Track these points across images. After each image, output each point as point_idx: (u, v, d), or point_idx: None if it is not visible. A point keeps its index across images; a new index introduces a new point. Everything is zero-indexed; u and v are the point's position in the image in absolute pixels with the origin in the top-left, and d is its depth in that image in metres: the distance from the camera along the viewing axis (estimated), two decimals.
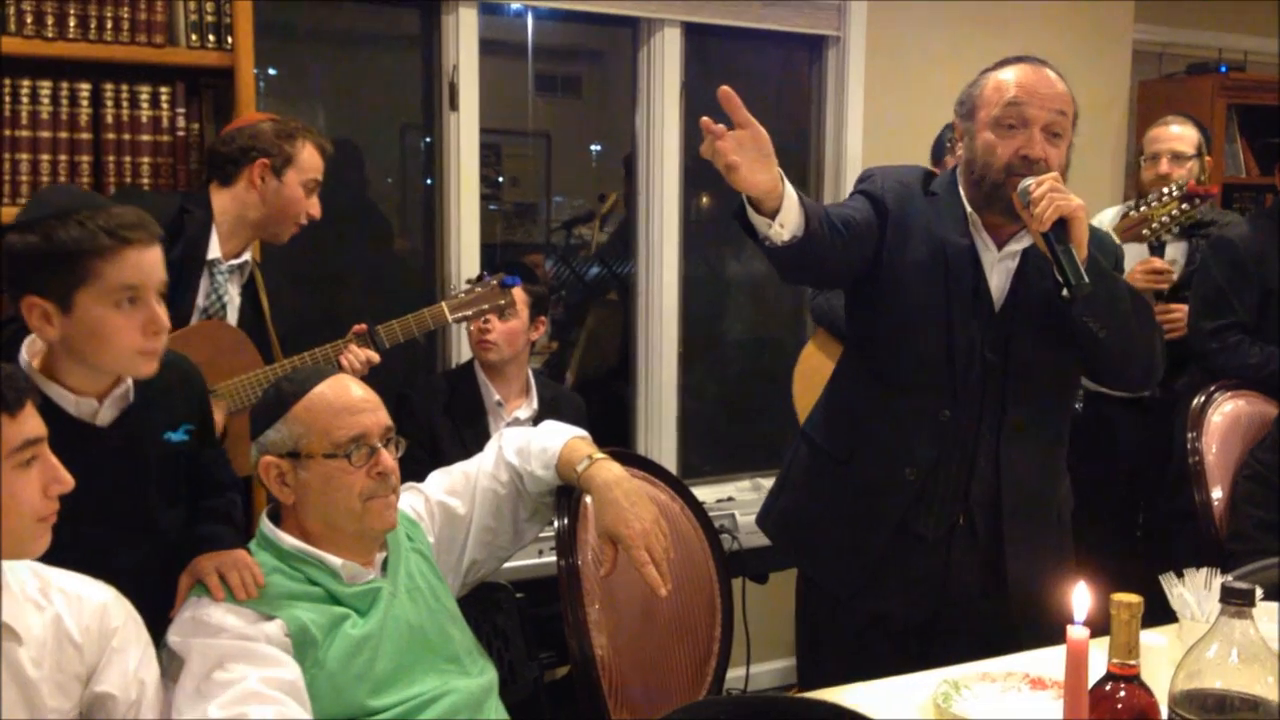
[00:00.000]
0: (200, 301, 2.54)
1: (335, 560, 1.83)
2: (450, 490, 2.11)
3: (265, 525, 1.89)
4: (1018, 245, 2.21)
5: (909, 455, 2.21)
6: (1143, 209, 3.23)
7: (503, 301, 2.80)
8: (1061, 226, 2.02)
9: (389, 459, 1.86)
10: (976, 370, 2.20)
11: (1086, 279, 2.01)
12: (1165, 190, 3.20)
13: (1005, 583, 2.25)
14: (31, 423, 1.47)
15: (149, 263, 1.80)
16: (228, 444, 2.27)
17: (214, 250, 2.56)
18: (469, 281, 2.86)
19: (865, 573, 2.26)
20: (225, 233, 2.58)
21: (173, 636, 1.72)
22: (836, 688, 1.90)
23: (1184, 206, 3.17)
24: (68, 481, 1.50)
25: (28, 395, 1.46)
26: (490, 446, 2.17)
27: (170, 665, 1.70)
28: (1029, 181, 2.08)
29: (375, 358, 2.59)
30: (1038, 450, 2.29)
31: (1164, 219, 3.16)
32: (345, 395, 1.86)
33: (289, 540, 1.85)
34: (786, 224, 1.94)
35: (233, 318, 2.61)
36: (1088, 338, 2.13)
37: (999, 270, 2.22)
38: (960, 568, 2.26)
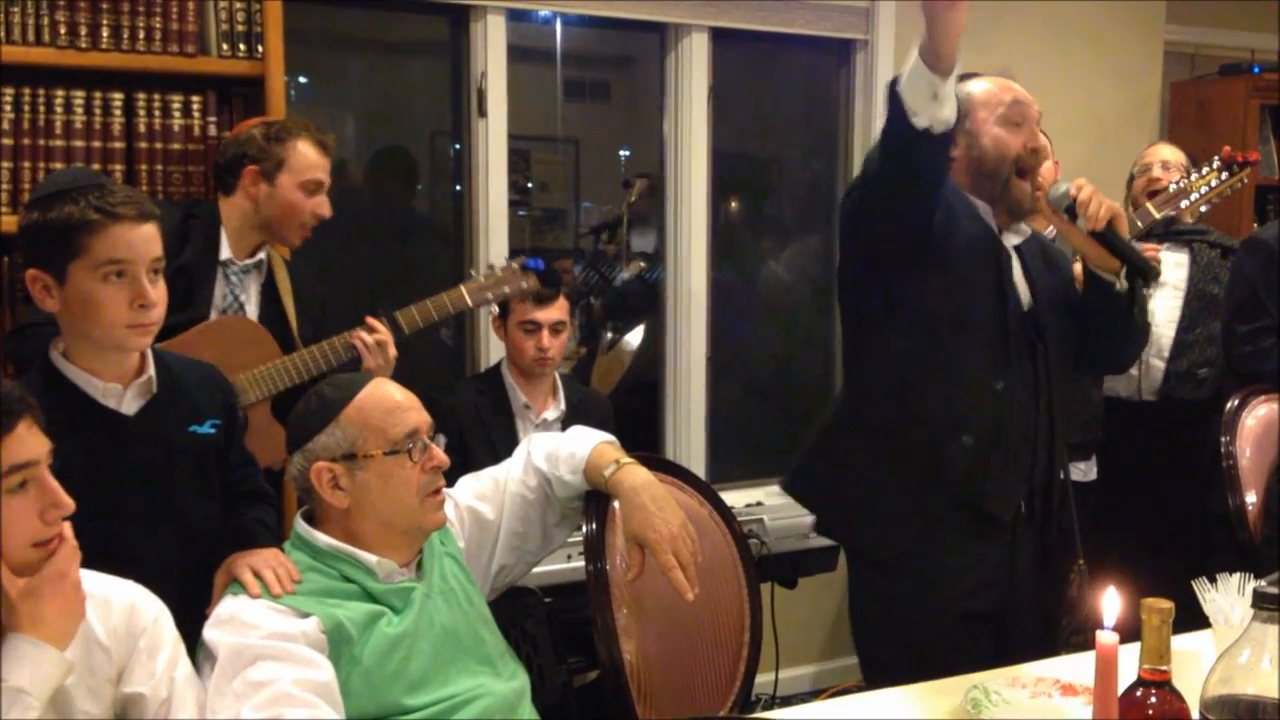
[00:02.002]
0: (217, 302, 2.55)
1: (371, 558, 1.84)
2: (480, 495, 2.12)
3: (300, 526, 1.90)
4: (1016, 239, 2.37)
5: (965, 422, 2.26)
6: (1182, 183, 3.22)
7: (525, 284, 2.77)
8: (1109, 224, 2.24)
9: (441, 453, 1.89)
10: (1024, 348, 2.31)
11: (1154, 266, 2.28)
12: (1208, 165, 3.20)
13: (1065, 572, 2.38)
14: (25, 446, 1.42)
15: (137, 239, 1.86)
16: (249, 435, 2.29)
17: (225, 252, 2.56)
18: (490, 265, 2.84)
19: (918, 543, 2.29)
20: (234, 238, 2.58)
21: (208, 632, 1.73)
22: (857, 694, 1.90)
23: (1224, 176, 3.16)
24: (67, 505, 1.47)
25: (20, 417, 1.42)
26: (519, 452, 2.17)
27: (204, 662, 1.71)
28: (1064, 187, 2.28)
29: (387, 336, 2.57)
30: (1067, 441, 2.45)
31: (1203, 190, 3.15)
32: (392, 395, 1.89)
33: (324, 539, 1.86)
34: (945, 102, 1.98)
35: (252, 316, 2.62)
36: (1114, 320, 2.35)
37: (1012, 260, 2.36)
38: (1023, 557, 2.34)
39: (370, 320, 2.58)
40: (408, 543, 1.90)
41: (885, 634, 2.36)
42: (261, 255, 2.63)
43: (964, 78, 2.32)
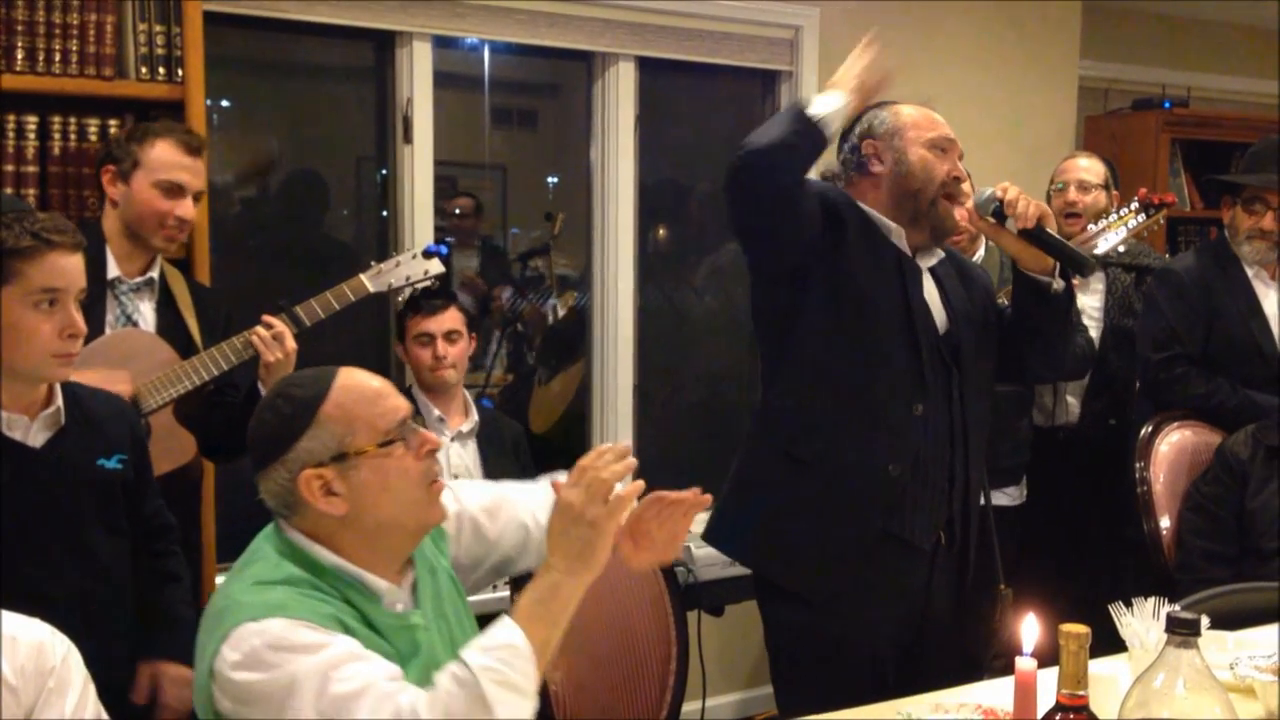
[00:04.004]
0: (110, 320, 2.50)
1: (380, 583, 1.63)
2: (486, 508, 1.89)
3: (297, 538, 1.63)
4: (930, 260, 2.37)
5: (890, 451, 2.24)
6: (1101, 223, 3.29)
7: (429, 268, 2.73)
8: (1038, 221, 2.27)
9: (432, 435, 1.68)
10: (940, 377, 2.29)
11: (1089, 258, 2.32)
12: (1126, 206, 3.28)
13: (979, 601, 2.35)
14: None
15: (70, 268, 1.85)
16: (153, 441, 2.24)
17: (113, 269, 2.50)
18: (391, 253, 2.77)
19: (845, 577, 2.25)
20: (119, 252, 2.51)
21: (245, 674, 1.49)
22: None
23: (1141, 218, 3.24)
24: None
25: None
26: (542, 487, 1.93)
27: (243, 704, 1.50)
28: (989, 191, 2.30)
29: (284, 329, 2.51)
30: (983, 463, 2.42)
31: (1121, 231, 3.23)
32: (368, 383, 1.67)
33: (328, 556, 1.61)
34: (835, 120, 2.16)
35: None
36: (1052, 323, 2.37)
37: (925, 283, 2.35)
38: (940, 586, 2.32)
39: (266, 317, 2.53)
40: (403, 546, 1.68)
41: (804, 669, 2.32)
42: (153, 273, 2.57)
43: (887, 103, 2.37)
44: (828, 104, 2.15)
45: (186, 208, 2.52)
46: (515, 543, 1.90)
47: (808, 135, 2.13)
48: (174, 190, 2.50)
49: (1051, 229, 2.29)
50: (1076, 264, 2.32)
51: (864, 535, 2.25)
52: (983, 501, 2.44)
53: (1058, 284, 2.33)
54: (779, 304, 2.32)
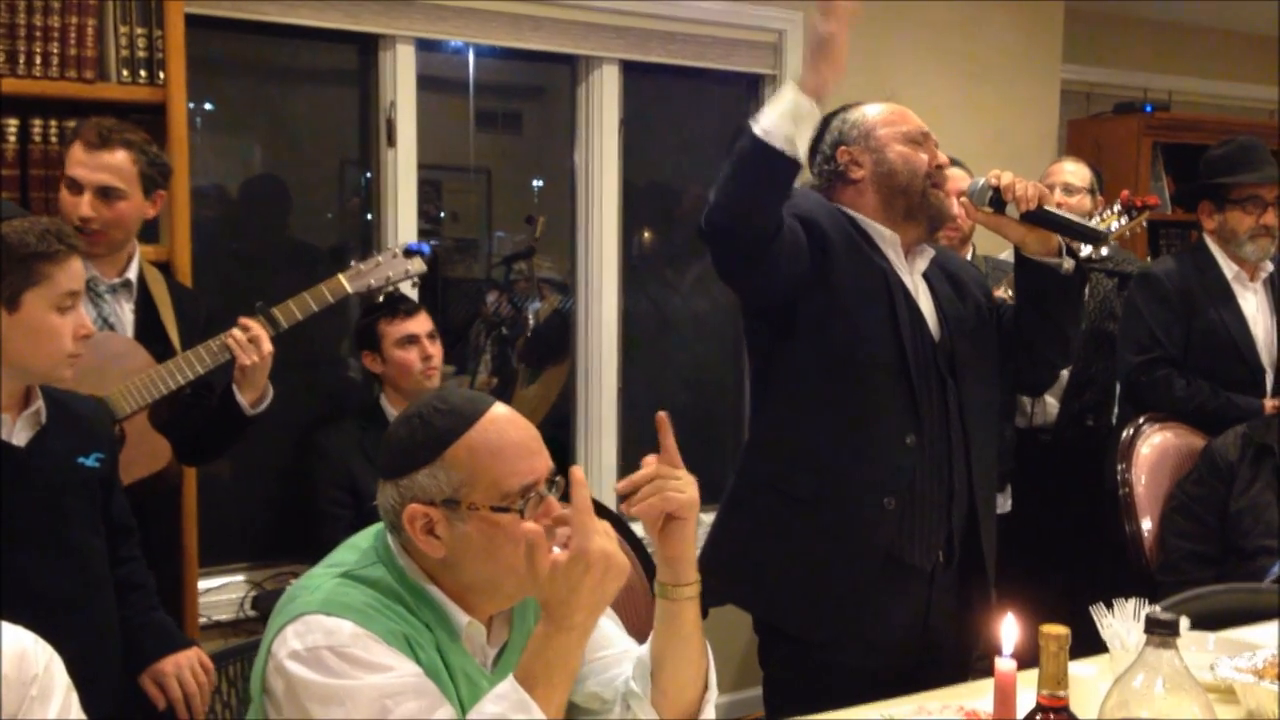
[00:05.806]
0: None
1: (461, 618, 1.56)
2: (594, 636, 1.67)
3: (398, 552, 1.57)
4: (922, 263, 2.32)
5: (884, 485, 2.19)
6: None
7: (410, 268, 2.66)
8: (1039, 202, 2.22)
9: (558, 506, 1.55)
10: (935, 393, 2.24)
11: (1101, 230, 2.27)
12: (1109, 209, 3.30)
13: (981, 620, 2.29)
14: None
15: (81, 271, 1.91)
16: (127, 447, 2.22)
17: (90, 269, 2.43)
18: (371, 253, 2.73)
19: (843, 614, 2.20)
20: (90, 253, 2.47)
21: (301, 668, 1.44)
22: None
23: (1124, 220, 3.26)
24: None
25: None
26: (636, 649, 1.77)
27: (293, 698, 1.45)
28: (981, 181, 2.25)
29: (260, 332, 2.45)
30: (991, 472, 2.38)
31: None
32: (510, 433, 1.55)
33: (418, 576, 1.56)
34: (805, 121, 2.01)
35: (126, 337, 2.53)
36: (1065, 307, 2.29)
37: (918, 292, 2.30)
38: (939, 603, 2.29)
39: (243, 320, 2.47)
40: (496, 604, 1.61)
41: (804, 700, 2.17)
42: (130, 274, 2.54)
43: (851, 106, 2.34)
44: (779, 109, 1.99)
45: (81, 205, 2.39)
46: (589, 695, 1.70)
47: (773, 167, 2.01)
48: (73, 186, 2.42)
49: (1051, 202, 2.25)
50: (1088, 236, 2.27)
51: (861, 569, 2.20)
52: (985, 514, 2.35)
53: (1068, 264, 2.26)
54: (768, 337, 2.27)
